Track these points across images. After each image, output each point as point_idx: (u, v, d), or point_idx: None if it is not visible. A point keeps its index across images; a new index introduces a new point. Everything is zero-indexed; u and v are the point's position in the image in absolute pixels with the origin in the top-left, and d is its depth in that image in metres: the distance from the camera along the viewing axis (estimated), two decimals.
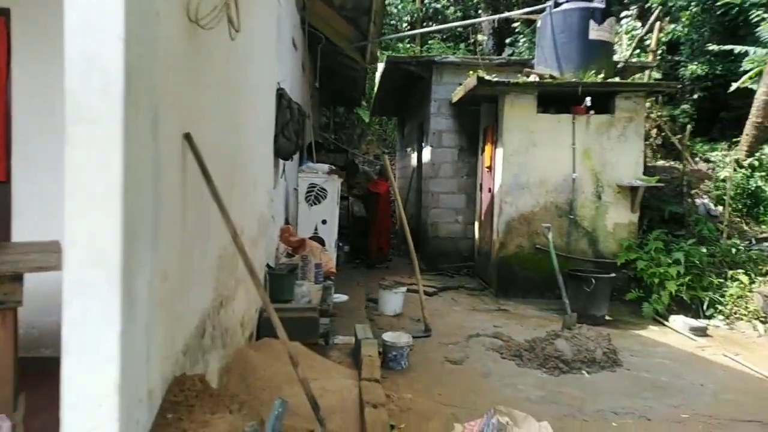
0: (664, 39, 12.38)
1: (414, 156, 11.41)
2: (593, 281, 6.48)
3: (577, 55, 7.66)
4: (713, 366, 5.17)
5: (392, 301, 6.38)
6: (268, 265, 4.81)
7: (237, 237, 2.54)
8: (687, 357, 5.40)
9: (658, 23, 11.19)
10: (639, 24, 12.87)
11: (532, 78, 7.22)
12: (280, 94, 5.21)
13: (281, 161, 5.47)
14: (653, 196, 8.01)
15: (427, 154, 9.38)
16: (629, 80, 8.15)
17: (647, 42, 11.79)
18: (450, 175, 9.08)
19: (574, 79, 7.30)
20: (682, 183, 8.07)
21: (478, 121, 8.97)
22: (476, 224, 9.00)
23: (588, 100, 6.94)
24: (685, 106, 12.52)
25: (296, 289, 4.70)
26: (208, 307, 2.72)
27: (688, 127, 9.61)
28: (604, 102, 7.57)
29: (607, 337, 5.29)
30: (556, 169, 7.47)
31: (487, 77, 7.03)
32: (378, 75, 11.46)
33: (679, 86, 7.49)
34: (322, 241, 6.00)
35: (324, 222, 5.99)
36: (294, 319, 3.93)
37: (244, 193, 3.60)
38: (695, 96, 12.77)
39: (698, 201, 8.28)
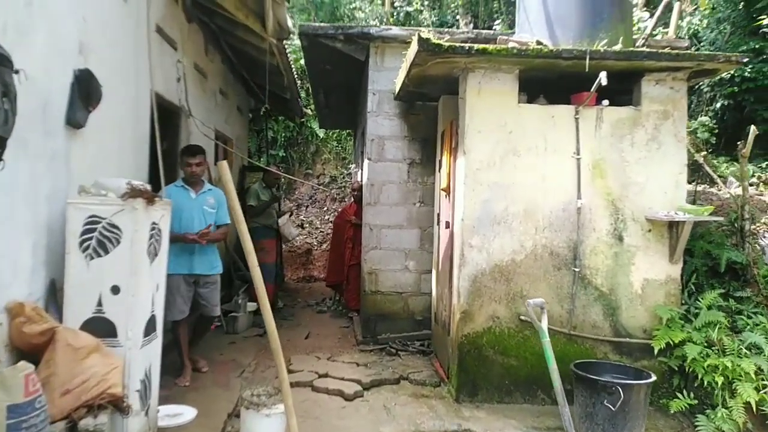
0: (680, 30, 9.82)
1: (359, 175, 8.60)
2: (620, 393, 3.65)
3: (578, 16, 4.93)
4: None
5: None
6: None
7: None
8: None
9: (677, 5, 8.58)
10: (647, 15, 10.31)
11: (512, 45, 4.46)
12: None
13: None
14: (699, 236, 5.20)
15: (365, 170, 6.58)
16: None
17: (657, 36, 9.22)
18: (396, 200, 6.27)
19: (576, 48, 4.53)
20: (741, 216, 5.29)
21: (434, 120, 6.20)
22: (434, 273, 6.16)
23: (603, 77, 4.15)
24: (704, 119, 9.90)
25: None
26: None
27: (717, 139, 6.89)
28: (623, 88, 4.82)
29: None
30: (550, 192, 4.68)
31: (437, 40, 4.25)
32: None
33: (746, 60, 4.71)
34: (110, 328, 3.15)
35: (116, 290, 3.13)
36: None
37: None
38: (718, 104, 10.18)
39: (762, 242, 5.48)
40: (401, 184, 6.27)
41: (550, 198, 4.67)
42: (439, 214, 5.83)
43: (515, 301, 4.64)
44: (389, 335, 6.13)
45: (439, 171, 5.85)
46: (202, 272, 4.74)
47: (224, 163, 3.14)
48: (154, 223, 3.40)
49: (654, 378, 3.96)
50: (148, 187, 3.44)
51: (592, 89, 4.43)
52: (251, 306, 7.03)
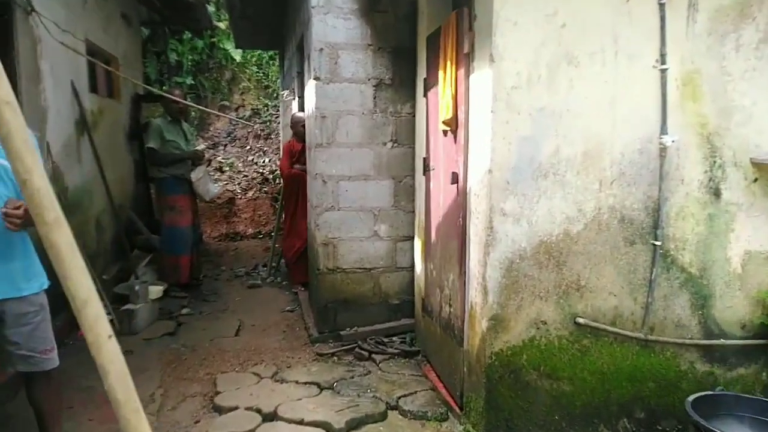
0: None
1: (294, 106, 6.55)
2: None
3: None
4: None
5: None
6: None
7: None
8: None
9: None
10: None
11: None
12: None
13: None
14: None
15: (310, 96, 4.59)
16: None
17: None
18: (359, 140, 4.37)
19: None
20: None
21: (412, 20, 4.28)
22: (418, 242, 4.40)
23: None
24: None
25: None
26: None
27: None
28: None
29: None
30: (621, 123, 2.96)
31: None
32: None
33: None
34: None
35: None
36: None
37: None
38: None
39: None
40: (365, 116, 4.36)
41: (621, 132, 2.97)
42: (426, 159, 4.00)
43: (569, 296, 2.99)
44: (357, 329, 4.38)
45: (426, 95, 3.97)
46: (5, 295, 2.41)
47: None
48: None
49: None
50: None
51: None
52: (155, 290, 5.04)
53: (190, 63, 11.77)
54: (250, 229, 9.16)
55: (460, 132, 3.20)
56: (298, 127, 5.65)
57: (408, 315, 4.49)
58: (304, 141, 5.41)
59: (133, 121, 7.22)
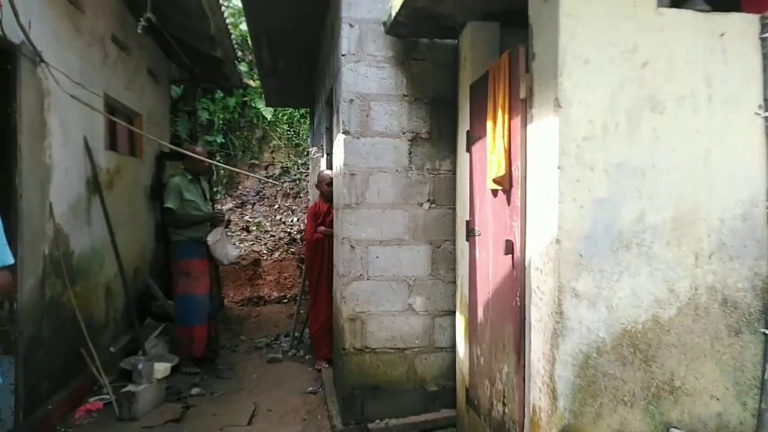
0: None
1: (323, 164, 6.13)
2: None
3: None
4: None
5: None
6: None
7: None
8: None
9: None
10: None
11: None
12: None
13: None
14: None
15: (338, 152, 4.14)
16: None
17: None
18: (392, 200, 3.86)
19: None
20: None
21: (452, 68, 3.84)
22: (460, 319, 3.80)
23: None
24: None
25: None
26: None
27: None
28: None
29: None
30: (719, 182, 2.38)
31: None
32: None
33: None
34: None
35: None
36: None
37: None
38: None
39: None
40: (399, 174, 3.87)
41: (719, 194, 2.39)
42: (471, 222, 3.45)
43: (661, 401, 2.34)
44: (387, 422, 3.74)
45: (469, 149, 3.47)
46: None
47: None
48: None
49: None
50: None
51: None
52: (162, 368, 4.50)
53: (221, 121, 11.67)
54: (275, 293, 8.64)
55: (515, 192, 2.66)
56: (323, 186, 5.19)
57: (448, 405, 3.83)
58: (331, 201, 4.93)
59: (155, 180, 6.91)
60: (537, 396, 2.42)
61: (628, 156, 2.32)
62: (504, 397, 2.78)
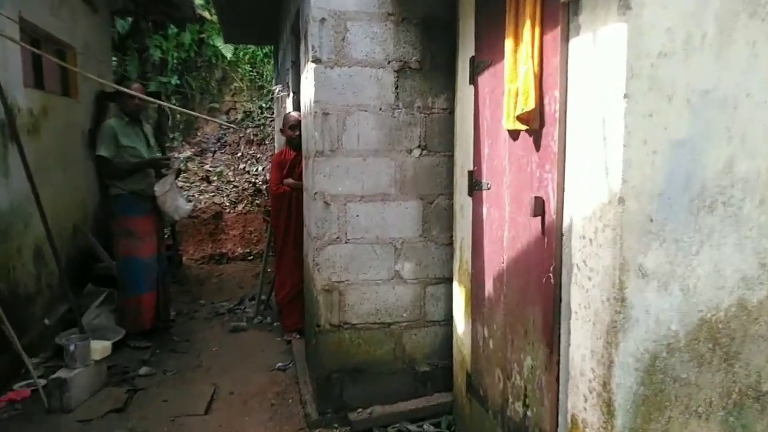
0: None
1: (289, 103, 5.33)
2: None
3: None
4: None
5: None
6: None
7: None
8: None
9: None
10: None
11: None
12: None
13: None
14: None
15: (308, 86, 3.37)
16: None
17: None
18: (375, 145, 3.15)
19: None
20: None
21: None
22: (458, 287, 3.17)
23: None
24: None
25: None
26: None
27: None
28: None
29: None
30: None
31: None
32: None
33: None
34: None
35: None
36: None
37: None
38: None
39: None
40: (383, 113, 3.14)
41: None
42: (475, 172, 2.78)
43: (744, 411, 1.77)
44: (372, 411, 3.15)
45: (474, 80, 2.74)
46: None
47: None
48: None
49: None
50: None
51: None
52: (101, 347, 3.81)
53: (175, 61, 10.59)
54: (239, 249, 7.92)
55: (550, 132, 1.98)
56: (288, 131, 4.44)
57: (442, 387, 3.26)
58: (299, 149, 4.19)
59: (95, 125, 6.01)
60: (580, 405, 1.82)
61: (717, 81, 1.65)
62: (525, 396, 2.18)
